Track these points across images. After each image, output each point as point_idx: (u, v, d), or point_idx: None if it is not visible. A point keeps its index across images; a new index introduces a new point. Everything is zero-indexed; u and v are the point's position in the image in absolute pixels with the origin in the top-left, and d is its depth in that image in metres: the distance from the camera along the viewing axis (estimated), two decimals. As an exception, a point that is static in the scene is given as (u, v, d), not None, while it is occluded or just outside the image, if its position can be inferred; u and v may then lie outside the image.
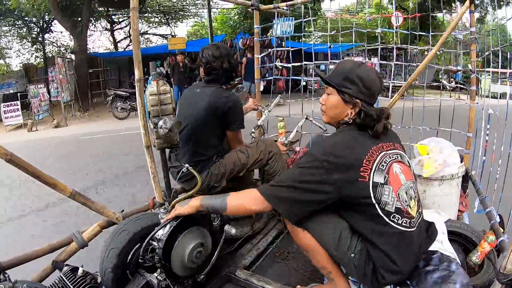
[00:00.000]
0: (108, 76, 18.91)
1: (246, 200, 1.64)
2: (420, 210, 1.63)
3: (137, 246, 1.90)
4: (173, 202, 1.95)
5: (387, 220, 1.48)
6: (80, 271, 1.74)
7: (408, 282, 1.63)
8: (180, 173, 2.18)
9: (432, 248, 1.72)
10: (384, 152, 1.54)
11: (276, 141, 2.90)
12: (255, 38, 3.71)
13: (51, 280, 1.76)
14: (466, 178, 2.53)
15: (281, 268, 2.29)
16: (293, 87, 3.77)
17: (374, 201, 1.46)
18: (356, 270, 1.57)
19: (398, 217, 1.49)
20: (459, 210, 2.52)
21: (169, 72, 14.23)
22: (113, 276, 1.83)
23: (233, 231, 1.88)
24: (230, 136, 2.53)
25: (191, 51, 16.12)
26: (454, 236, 2.07)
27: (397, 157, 1.58)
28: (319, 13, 23.28)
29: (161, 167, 2.04)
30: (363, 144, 1.53)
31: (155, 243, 1.75)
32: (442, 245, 1.77)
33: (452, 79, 19.44)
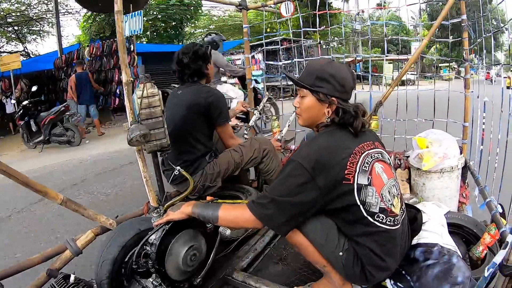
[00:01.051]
0: None
1: (237, 216, 1.61)
2: (403, 207, 1.64)
3: (131, 252, 1.88)
4: (165, 206, 1.93)
5: (372, 220, 1.48)
6: (72, 278, 1.71)
7: (408, 278, 1.62)
8: (172, 175, 2.16)
9: (431, 241, 1.71)
10: (366, 152, 1.53)
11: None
12: (244, 38, 3.68)
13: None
14: (465, 169, 2.50)
15: (279, 268, 2.25)
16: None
17: (359, 203, 1.46)
18: (344, 269, 1.56)
19: (383, 217, 1.49)
20: (459, 202, 2.49)
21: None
22: (108, 283, 1.80)
23: (228, 232, 1.84)
24: (219, 131, 2.53)
25: (39, 69, 13.14)
26: (455, 228, 2.04)
27: (378, 156, 1.57)
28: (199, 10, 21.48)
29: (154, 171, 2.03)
30: (345, 146, 1.51)
31: (148, 248, 1.72)
32: (442, 238, 1.75)
33: (353, 70, 19.81)
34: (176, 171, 2.03)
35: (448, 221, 1.95)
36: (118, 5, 1.91)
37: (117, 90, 10.53)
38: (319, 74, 1.58)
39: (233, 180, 2.76)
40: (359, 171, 1.47)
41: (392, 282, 1.65)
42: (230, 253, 2.29)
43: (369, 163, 1.51)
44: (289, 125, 3.24)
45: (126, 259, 1.87)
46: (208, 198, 2.04)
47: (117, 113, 12.37)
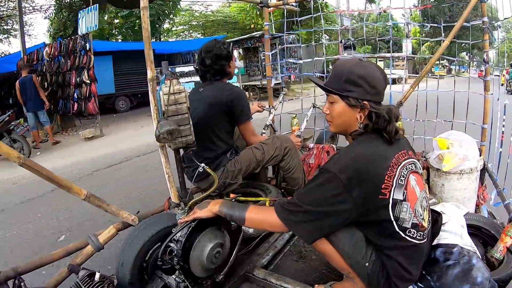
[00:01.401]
0: None
1: (264, 219, 1.59)
2: (430, 218, 1.61)
3: (154, 248, 1.89)
4: (190, 203, 1.93)
5: (403, 235, 1.45)
6: (97, 276, 1.72)
7: (429, 278, 1.62)
8: (196, 172, 2.17)
9: (451, 241, 1.70)
10: (402, 164, 1.47)
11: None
12: (265, 36, 3.66)
13: (68, 285, 1.75)
14: (483, 170, 2.50)
15: (299, 266, 2.25)
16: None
17: (392, 218, 1.42)
18: (368, 278, 1.53)
19: (414, 232, 1.46)
20: (477, 203, 2.50)
21: None
22: (130, 279, 1.82)
23: (251, 230, 1.86)
24: (241, 128, 2.53)
25: (8, 71, 12.13)
26: (473, 230, 2.04)
27: (413, 167, 1.52)
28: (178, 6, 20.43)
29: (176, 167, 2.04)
30: (383, 157, 1.44)
31: (173, 245, 1.73)
32: (461, 239, 1.75)
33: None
34: (200, 168, 2.03)
35: (466, 222, 1.94)
36: (144, 1, 1.91)
37: (75, 94, 9.40)
38: (348, 77, 1.49)
39: (252, 178, 2.77)
40: (395, 185, 1.41)
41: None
42: (251, 251, 2.31)
43: (404, 176, 1.46)
44: (307, 120, 3.26)
45: (148, 256, 1.88)
46: (232, 195, 2.05)
47: (88, 117, 10.92)
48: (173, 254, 1.73)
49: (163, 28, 22.43)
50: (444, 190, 2.38)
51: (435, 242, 1.72)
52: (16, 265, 1.77)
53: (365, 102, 1.49)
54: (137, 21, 18.27)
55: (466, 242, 1.73)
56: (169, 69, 1.93)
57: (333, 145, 3.32)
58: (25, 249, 3.28)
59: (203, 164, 2.07)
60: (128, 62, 13.91)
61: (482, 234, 2.08)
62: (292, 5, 3.42)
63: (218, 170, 2.40)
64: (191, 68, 12.39)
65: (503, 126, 2.33)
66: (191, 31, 27.25)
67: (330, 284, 1.85)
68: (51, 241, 3.37)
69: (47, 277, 1.96)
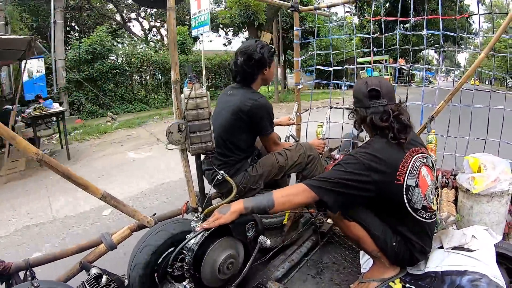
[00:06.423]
0: None
1: (293, 193, 1.72)
2: (437, 202, 2.02)
3: (167, 253, 1.85)
4: (206, 210, 1.88)
5: (415, 215, 1.74)
6: (104, 279, 1.68)
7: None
8: (215, 180, 2.13)
9: (480, 271, 1.68)
10: (416, 157, 1.75)
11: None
12: (295, 41, 3.57)
13: (78, 280, 1.74)
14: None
15: (314, 282, 2.19)
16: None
17: (405, 201, 1.69)
18: (395, 255, 1.81)
19: (423, 212, 1.75)
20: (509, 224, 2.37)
21: None
22: (140, 282, 1.78)
23: (268, 242, 1.79)
24: (263, 140, 2.48)
25: None
26: (500, 258, 1.92)
27: (424, 160, 1.80)
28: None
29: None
30: (398, 150, 1.72)
31: (185, 252, 1.69)
32: (491, 270, 1.69)
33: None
34: (219, 176, 1.99)
35: (495, 249, 1.86)
36: (170, 2, 1.88)
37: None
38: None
39: (273, 186, 2.70)
40: (408, 174, 1.69)
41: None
42: (265, 262, 2.24)
43: (417, 167, 1.74)
44: (327, 122, 3.32)
45: (160, 260, 1.84)
46: None
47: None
48: (185, 262, 1.69)
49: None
50: (472, 213, 2.26)
51: (462, 268, 1.73)
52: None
53: (357, 109, 1.89)
54: None
55: (495, 274, 1.68)
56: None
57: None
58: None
59: (222, 172, 2.03)
60: None
61: (509, 263, 1.96)
62: (324, 10, 3.31)
63: (239, 175, 2.36)
64: None
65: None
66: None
67: (361, 276, 2.03)
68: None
69: (59, 272, 1.96)
